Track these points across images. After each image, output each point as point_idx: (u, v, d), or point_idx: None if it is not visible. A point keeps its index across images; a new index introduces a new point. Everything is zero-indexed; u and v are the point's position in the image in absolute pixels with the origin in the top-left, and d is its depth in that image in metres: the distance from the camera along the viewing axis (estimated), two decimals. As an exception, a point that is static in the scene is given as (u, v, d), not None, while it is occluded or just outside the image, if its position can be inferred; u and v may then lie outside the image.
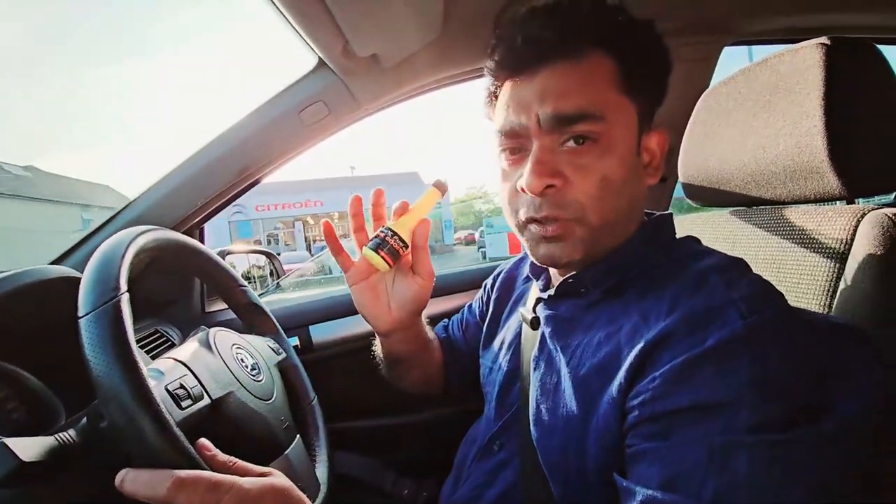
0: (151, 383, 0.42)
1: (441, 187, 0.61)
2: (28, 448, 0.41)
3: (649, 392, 0.41)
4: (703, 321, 0.41)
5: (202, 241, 1.07)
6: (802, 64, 0.57)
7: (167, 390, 0.47)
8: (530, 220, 0.51)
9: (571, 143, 0.48)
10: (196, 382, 0.51)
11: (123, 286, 0.45)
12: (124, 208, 0.89)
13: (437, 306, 1.14)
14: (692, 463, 0.37)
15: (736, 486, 0.36)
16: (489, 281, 0.82)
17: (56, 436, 0.45)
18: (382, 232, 0.58)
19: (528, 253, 0.55)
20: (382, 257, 0.57)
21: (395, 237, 0.57)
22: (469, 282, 1.18)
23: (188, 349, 0.55)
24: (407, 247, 0.60)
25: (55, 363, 0.67)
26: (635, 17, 0.52)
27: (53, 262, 0.83)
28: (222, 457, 0.45)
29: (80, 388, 0.64)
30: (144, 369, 0.42)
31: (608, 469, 0.45)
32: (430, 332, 0.78)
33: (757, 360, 0.38)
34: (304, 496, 0.46)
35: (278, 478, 0.46)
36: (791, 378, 0.38)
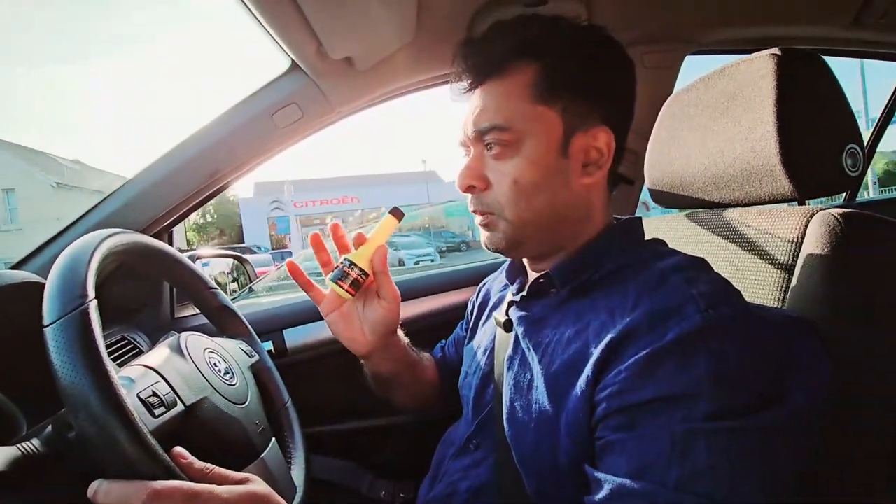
0: (122, 392, 0.40)
1: (397, 214, 0.65)
2: None
3: (616, 385, 0.43)
4: (664, 316, 0.44)
5: (171, 244, 1.05)
6: (757, 73, 0.60)
7: (139, 398, 0.46)
8: (474, 212, 0.59)
9: (492, 150, 0.55)
10: (168, 389, 0.49)
11: (91, 293, 0.43)
12: (90, 211, 0.86)
13: (440, 301, 1.16)
14: (657, 452, 0.40)
15: (697, 472, 0.38)
16: (474, 296, 0.84)
17: (19, 446, 0.44)
18: (342, 263, 0.61)
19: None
20: (344, 288, 0.61)
21: (354, 267, 0.61)
22: (470, 278, 1.20)
23: (159, 355, 0.54)
24: (367, 275, 0.63)
25: (14, 372, 0.64)
26: (562, 23, 0.56)
27: (13, 267, 0.79)
28: (199, 464, 0.44)
29: (42, 398, 0.62)
30: (115, 377, 0.41)
31: (579, 462, 0.46)
32: (416, 354, 0.81)
33: (714, 353, 0.41)
34: (283, 501, 0.46)
35: (257, 484, 0.46)
36: (747, 370, 0.41)
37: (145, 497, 0.38)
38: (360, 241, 0.65)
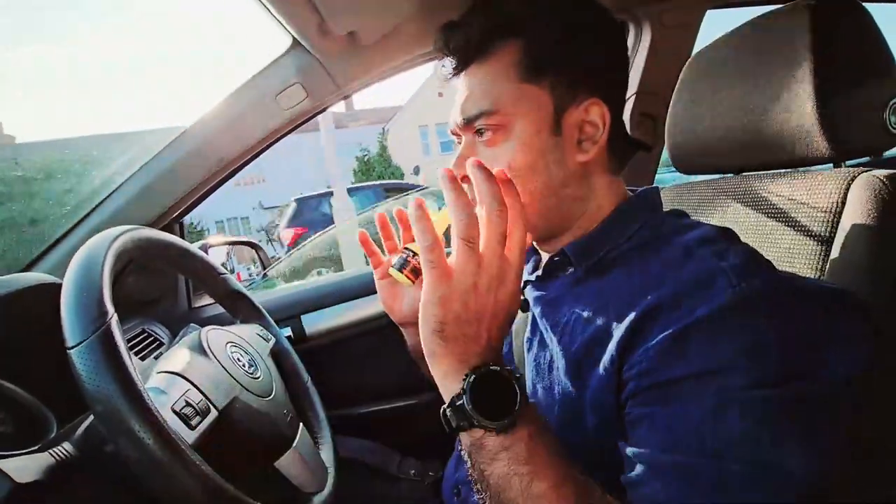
0: (157, 405, 0.40)
1: None
2: (22, 469, 0.40)
3: (644, 364, 0.42)
4: (691, 292, 0.42)
5: (182, 234, 1.04)
6: (790, 25, 0.56)
7: (174, 411, 0.46)
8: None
9: (482, 136, 0.53)
10: (200, 396, 0.49)
11: (110, 308, 0.43)
12: (98, 206, 0.84)
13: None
14: (690, 424, 0.39)
15: (732, 441, 0.37)
16: None
17: (51, 451, 0.44)
18: (405, 252, 0.63)
19: None
20: (406, 276, 0.62)
21: (416, 256, 0.62)
22: None
23: (183, 358, 0.54)
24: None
25: (41, 372, 0.64)
26: None
27: (25, 268, 0.79)
28: None
29: (69, 396, 0.62)
30: (150, 399, 0.40)
31: (608, 440, 0.46)
32: None
33: (747, 328, 0.39)
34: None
35: None
36: (780, 343, 0.39)
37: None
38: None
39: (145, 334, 0.89)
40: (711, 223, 0.52)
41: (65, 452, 0.45)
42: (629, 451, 0.42)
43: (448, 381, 0.42)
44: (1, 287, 0.61)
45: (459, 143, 0.57)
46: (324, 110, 0.96)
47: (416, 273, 0.62)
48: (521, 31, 0.51)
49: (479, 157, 0.52)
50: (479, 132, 0.53)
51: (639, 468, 0.41)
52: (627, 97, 0.97)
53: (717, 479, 0.37)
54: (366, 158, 16.73)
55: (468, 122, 0.53)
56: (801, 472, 0.37)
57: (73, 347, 0.40)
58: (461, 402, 0.41)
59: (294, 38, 0.80)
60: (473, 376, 0.41)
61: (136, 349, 0.83)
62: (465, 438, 0.42)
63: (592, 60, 0.53)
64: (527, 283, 0.61)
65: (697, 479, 0.38)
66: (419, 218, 0.44)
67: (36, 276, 0.65)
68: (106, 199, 0.85)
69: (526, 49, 0.51)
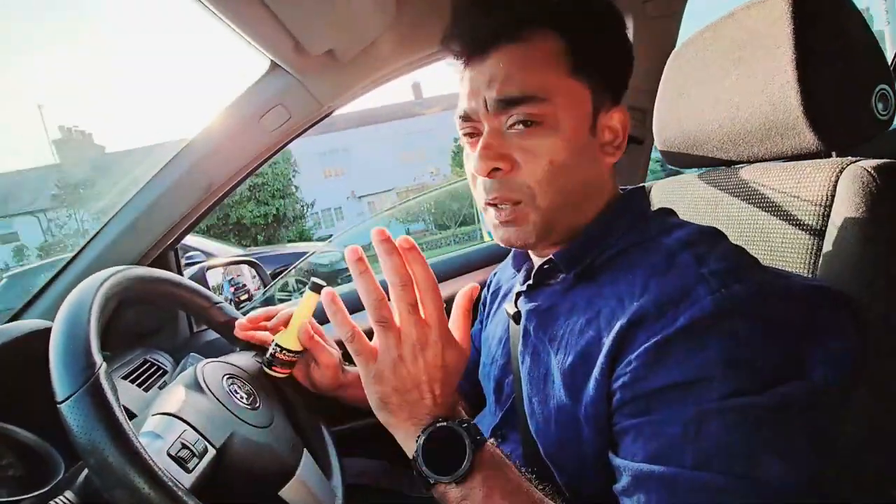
0: (152, 451, 0.40)
1: (317, 289, 0.64)
2: None
3: (627, 375, 0.42)
4: (673, 300, 0.42)
5: (178, 262, 1.04)
6: (771, 16, 0.55)
7: (170, 455, 0.46)
8: (487, 204, 0.53)
9: (519, 127, 0.49)
10: (197, 436, 0.49)
11: (97, 359, 0.43)
12: (85, 246, 0.85)
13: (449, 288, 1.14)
14: (671, 435, 0.39)
15: (712, 453, 0.38)
16: (485, 289, 0.82)
17: (53, 502, 0.44)
18: (273, 348, 0.65)
19: (492, 234, 0.58)
20: (278, 371, 0.65)
21: (283, 351, 0.65)
22: (478, 261, 1.18)
23: (179, 397, 0.54)
24: (298, 352, 0.67)
25: (45, 413, 0.65)
26: None
27: (14, 316, 0.79)
28: None
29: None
30: (142, 445, 0.40)
31: (605, 452, 0.46)
32: None
33: (726, 336, 0.39)
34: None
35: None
36: (760, 348, 0.39)
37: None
38: (286, 320, 0.69)
39: (148, 364, 0.90)
40: (701, 220, 0.52)
41: (66, 501, 0.45)
42: (616, 461, 0.43)
43: (407, 444, 0.45)
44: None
45: (468, 133, 0.54)
46: (309, 128, 0.95)
47: (290, 365, 0.66)
48: (564, 26, 0.49)
49: (510, 147, 0.50)
50: (518, 121, 0.49)
51: (625, 479, 0.42)
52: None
53: (698, 490, 0.37)
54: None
55: (507, 106, 0.49)
56: (781, 481, 0.36)
57: (62, 402, 0.40)
58: (418, 462, 0.43)
59: (272, 61, 0.80)
60: (423, 437, 0.43)
61: (140, 380, 0.84)
62: (433, 492, 0.43)
63: (619, 67, 0.53)
64: (518, 294, 0.61)
65: (679, 490, 0.38)
66: (335, 311, 0.44)
67: (27, 324, 0.65)
68: (96, 236, 0.85)
69: (571, 44, 0.49)
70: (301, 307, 0.65)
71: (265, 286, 1.36)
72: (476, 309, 0.88)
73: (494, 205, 0.52)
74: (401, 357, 0.43)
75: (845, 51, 0.53)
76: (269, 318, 0.72)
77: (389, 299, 0.43)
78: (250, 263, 1.38)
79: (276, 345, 0.63)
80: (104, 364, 0.43)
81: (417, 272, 0.43)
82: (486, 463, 0.43)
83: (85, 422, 0.39)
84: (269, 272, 1.43)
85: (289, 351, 0.64)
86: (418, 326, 0.42)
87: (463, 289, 0.49)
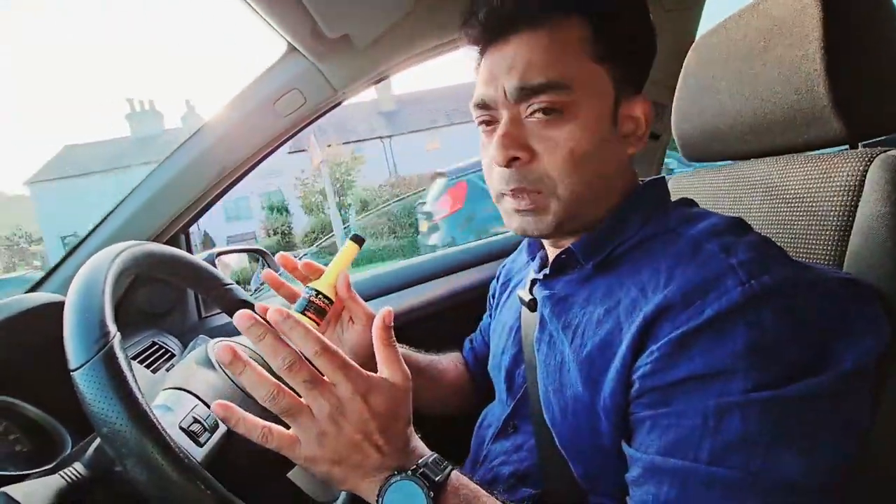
0: (164, 424, 0.40)
1: (358, 241, 0.62)
2: (32, 494, 0.39)
3: (648, 366, 0.41)
4: (700, 291, 0.40)
5: (188, 244, 1.04)
6: (798, 4, 0.54)
7: (182, 429, 0.45)
8: (504, 194, 0.52)
9: (539, 115, 0.48)
10: (208, 411, 0.49)
11: (112, 328, 0.42)
12: (101, 223, 0.85)
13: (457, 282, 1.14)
14: (689, 428, 0.38)
15: (729, 445, 0.37)
16: (494, 280, 0.81)
17: (62, 473, 0.44)
18: (306, 292, 0.60)
19: (505, 223, 0.56)
20: (310, 317, 0.60)
21: (319, 296, 0.60)
22: (485, 255, 1.18)
23: (190, 372, 0.53)
24: (331, 301, 0.62)
25: (53, 389, 0.65)
26: None
27: (31, 290, 0.80)
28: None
29: (83, 413, 0.63)
30: (155, 416, 0.39)
31: (621, 442, 0.45)
32: (423, 358, 0.78)
33: (752, 327, 0.38)
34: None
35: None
36: (786, 341, 0.38)
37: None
38: (310, 267, 0.63)
39: (156, 346, 0.90)
40: (722, 212, 0.50)
41: (76, 473, 0.44)
42: (630, 451, 0.42)
43: (371, 500, 0.42)
44: (8, 308, 0.61)
45: (485, 121, 0.53)
46: (323, 114, 0.95)
47: (321, 313, 0.60)
48: (589, 10, 0.48)
49: (529, 137, 0.49)
50: (532, 108, 0.48)
51: (637, 469, 0.41)
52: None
53: (710, 485, 0.37)
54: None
55: (528, 94, 0.47)
56: (797, 479, 0.36)
57: (76, 369, 0.40)
58: None
59: (289, 44, 0.80)
60: (381, 499, 0.41)
61: (148, 362, 0.84)
62: None
63: (643, 56, 0.52)
64: (535, 281, 0.60)
65: (690, 484, 0.37)
66: (242, 370, 0.40)
67: (41, 297, 0.65)
68: (110, 214, 0.85)
69: (594, 28, 0.48)
70: (340, 256, 0.62)
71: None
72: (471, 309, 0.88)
73: (510, 194, 0.51)
74: (323, 433, 0.40)
75: (874, 39, 0.52)
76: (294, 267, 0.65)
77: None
78: (260, 253, 1.38)
79: (312, 289, 0.59)
80: (118, 335, 0.42)
81: (297, 340, 0.39)
82: (451, 502, 0.41)
83: (99, 390, 0.39)
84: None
85: (324, 297, 0.59)
86: (325, 395, 0.40)
87: (378, 314, 0.47)
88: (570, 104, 0.47)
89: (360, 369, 0.41)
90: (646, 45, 0.52)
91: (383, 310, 0.48)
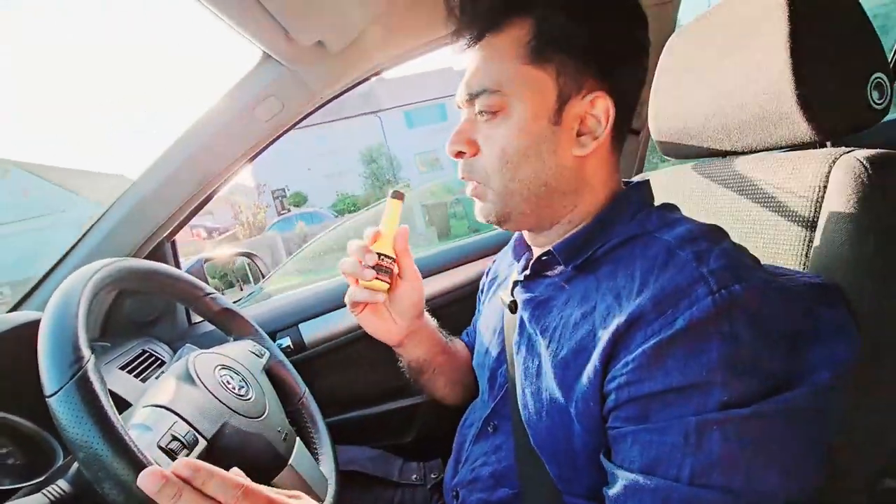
0: (142, 444, 0.40)
1: (399, 196, 0.64)
2: None
3: (623, 376, 0.41)
4: (672, 300, 0.41)
5: (175, 253, 1.04)
6: (765, 4, 0.54)
7: (160, 447, 0.46)
8: (462, 179, 0.57)
9: (482, 116, 0.52)
10: (187, 427, 0.49)
11: (85, 352, 0.42)
12: (81, 239, 0.85)
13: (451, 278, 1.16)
14: (669, 446, 0.39)
15: (711, 465, 0.37)
16: (484, 276, 0.82)
17: (45, 492, 0.45)
18: (370, 258, 0.62)
19: None
20: (380, 280, 0.62)
21: (382, 257, 0.62)
22: (479, 251, 1.19)
23: (170, 388, 0.54)
24: (394, 259, 0.64)
25: (43, 404, 0.66)
26: None
27: (13, 308, 0.80)
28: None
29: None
30: (131, 438, 0.40)
31: (595, 448, 0.46)
32: (447, 338, 0.80)
33: (726, 338, 0.38)
34: None
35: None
36: (761, 353, 0.38)
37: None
38: (376, 236, 0.63)
39: (146, 354, 0.91)
40: (694, 210, 0.51)
41: (59, 491, 0.45)
42: (611, 467, 0.43)
43: None
44: None
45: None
46: (303, 119, 0.95)
47: (388, 273, 0.62)
48: (533, 10, 0.49)
49: (478, 133, 0.53)
50: (480, 111, 0.52)
51: (618, 486, 0.41)
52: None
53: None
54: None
55: (471, 98, 0.52)
56: (779, 495, 0.36)
57: (51, 395, 0.40)
58: None
59: (264, 52, 0.79)
60: None
61: (138, 370, 0.85)
62: None
63: (606, 48, 0.49)
64: (516, 283, 0.61)
65: (671, 503, 0.38)
66: (206, 479, 0.36)
67: (23, 315, 0.66)
68: (88, 230, 0.85)
69: (536, 29, 0.49)
70: (388, 216, 0.64)
71: (263, 277, 1.36)
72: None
73: (465, 178, 0.56)
74: None
75: (840, 39, 0.52)
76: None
77: None
78: (248, 255, 1.38)
79: (377, 253, 0.60)
80: (93, 357, 0.43)
81: (216, 490, 0.36)
82: None
83: (74, 415, 0.39)
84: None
85: (387, 257, 0.62)
86: None
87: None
88: (504, 106, 0.51)
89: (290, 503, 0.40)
90: (604, 38, 0.49)
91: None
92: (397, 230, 0.63)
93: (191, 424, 0.50)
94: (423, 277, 1.00)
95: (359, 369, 1.09)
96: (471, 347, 0.85)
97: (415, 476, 0.84)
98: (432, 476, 0.83)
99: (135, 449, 0.40)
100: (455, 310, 1.11)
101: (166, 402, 0.51)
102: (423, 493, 0.81)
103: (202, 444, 0.49)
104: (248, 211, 17.54)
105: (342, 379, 1.08)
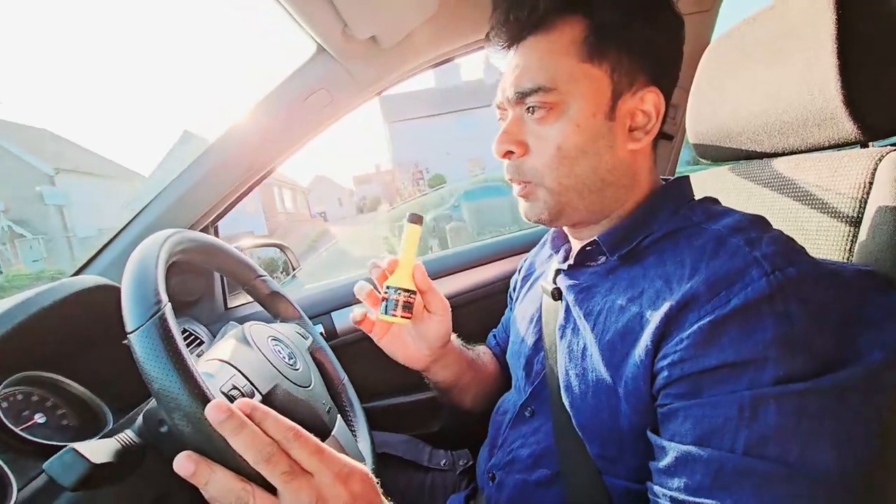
0: (209, 390, 0.43)
1: (417, 220, 0.61)
2: (97, 451, 0.43)
3: (677, 353, 0.42)
4: (726, 282, 0.42)
5: (217, 237, 1.08)
6: (812, 7, 0.56)
7: (223, 392, 0.49)
8: (510, 181, 0.58)
9: (534, 114, 0.52)
10: (245, 381, 0.52)
11: (164, 297, 0.45)
12: (140, 213, 0.90)
13: (481, 274, 1.17)
14: (723, 418, 0.39)
15: (766, 437, 0.38)
16: (516, 273, 0.84)
17: (117, 437, 0.48)
18: (387, 292, 0.59)
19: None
20: (399, 315, 0.59)
21: (400, 291, 0.59)
22: (509, 249, 1.21)
23: (228, 347, 0.57)
24: (415, 292, 0.61)
25: (96, 370, 0.69)
26: None
27: (77, 272, 0.84)
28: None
29: (121, 390, 0.66)
30: (202, 378, 0.43)
31: (641, 428, 0.47)
32: (472, 351, 0.81)
33: (780, 317, 0.39)
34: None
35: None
36: (815, 332, 0.39)
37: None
38: (394, 265, 0.62)
39: (187, 333, 0.94)
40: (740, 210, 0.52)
41: (129, 439, 0.48)
42: (660, 441, 0.43)
43: None
44: (62, 289, 0.65)
45: (502, 119, 0.57)
46: (346, 113, 0.99)
47: (409, 308, 0.59)
48: (587, 8, 0.50)
49: (527, 134, 0.54)
50: (530, 109, 0.52)
51: (668, 458, 0.42)
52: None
53: (744, 476, 0.38)
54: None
55: (521, 97, 0.52)
56: (831, 470, 0.37)
57: (133, 332, 0.43)
58: None
59: (318, 45, 0.83)
60: None
61: (180, 347, 0.88)
62: None
63: (655, 48, 0.52)
64: (558, 271, 0.62)
65: (724, 474, 0.38)
66: (237, 428, 0.39)
67: (90, 279, 0.69)
68: (146, 206, 0.90)
69: (590, 27, 0.50)
70: (406, 244, 0.61)
71: (293, 269, 1.39)
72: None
73: (513, 181, 0.57)
74: None
75: (887, 40, 0.53)
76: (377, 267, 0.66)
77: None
78: (280, 247, 1.42)
79: (393, 288, 0.58)
80: (169, 303, 0.46)
81: (271, 428, 0.40)
82: None
83: (152, 350, 0.42)
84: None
85: (405, 291, 0.59)
86: (305, 487, 0.40)
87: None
88: (559, 103, 0.51)
89: (335, 454, 0.42)
90: (654, 38, 0.52)
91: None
92: (415, 266, 0.62)
93: (248, 379, 0.53)
94: (449, 274, 1.02)
95: (387, 359, 1.11)
96: (496, 352, 0.87)
97: (444, 462, 0.85)
98: (461, 463, 0.84)
99: (203, 385, 0.42)
100: (481, 307, 1.13)
101: (227, 358, 0.54)
102: (453, 477, 0.82)
103: (258, 397, 0.52)
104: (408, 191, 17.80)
105: (371, 367, 1.10)
